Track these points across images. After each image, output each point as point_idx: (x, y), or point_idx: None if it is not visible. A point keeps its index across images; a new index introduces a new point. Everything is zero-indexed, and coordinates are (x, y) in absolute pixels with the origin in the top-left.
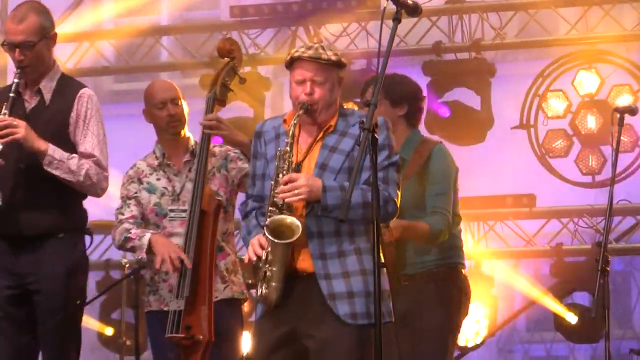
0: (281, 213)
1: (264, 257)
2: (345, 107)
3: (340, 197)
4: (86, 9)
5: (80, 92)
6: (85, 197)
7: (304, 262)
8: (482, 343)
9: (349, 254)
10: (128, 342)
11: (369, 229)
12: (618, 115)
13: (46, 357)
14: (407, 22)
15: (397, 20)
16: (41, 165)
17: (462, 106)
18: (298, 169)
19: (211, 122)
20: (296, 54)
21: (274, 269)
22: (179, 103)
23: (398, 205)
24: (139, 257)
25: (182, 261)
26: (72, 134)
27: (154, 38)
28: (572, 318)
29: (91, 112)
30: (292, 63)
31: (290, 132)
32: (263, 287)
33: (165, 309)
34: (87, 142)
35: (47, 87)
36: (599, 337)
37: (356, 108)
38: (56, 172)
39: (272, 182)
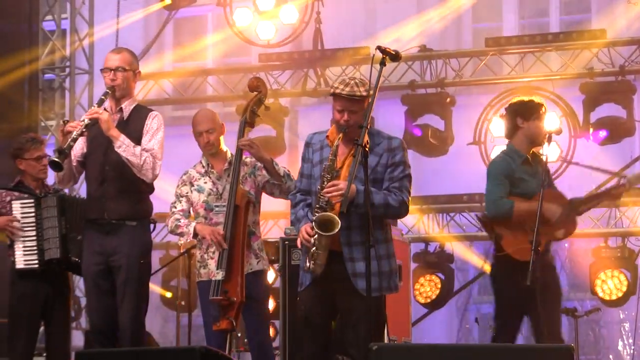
0: (324, 211)
1: (312, 242)
2: (372, 127)
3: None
4: (152, 56)
5: (151, 113)
6: (151, 192)
7: (336, 246)
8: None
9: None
10: (182, 303)
11: (384, 225)
12: (547, 135)
13: (125, 314)
14: (390, 66)
15: (382, 64)
16: (121, 166)
17: (431, 128)
18: (337, 174)
19: (246, 143)
20: (337, 91)
21: (319, 252)
22: (213, 131)
23: (409, 206)
24: (187, 240)
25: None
26: (143, 139)
27: (202, 77)
28: None
29: (157, 125)
30: (334, 96)
31: (333, 151)
32: (311, 264)
33: (213, 278)
34: (151, 143)
35: (127, 108)
36: None
37: None
38: (124, 154)
39: (319, 188)
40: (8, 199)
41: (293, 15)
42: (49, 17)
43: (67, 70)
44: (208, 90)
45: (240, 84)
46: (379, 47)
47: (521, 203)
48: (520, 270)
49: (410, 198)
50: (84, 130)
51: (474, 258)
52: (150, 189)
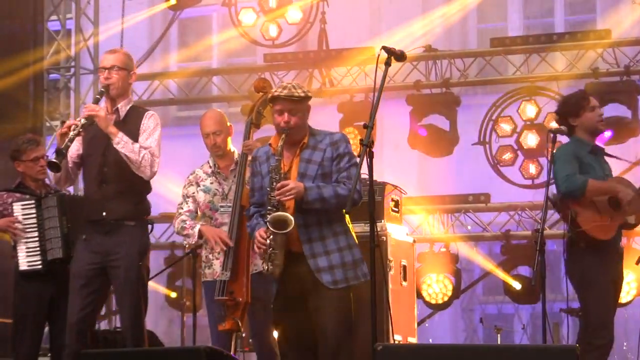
0: (277, 211)
1: (268, 242)
2: (312, 128)
3: (317, 194)
4: (157, 56)
5: (147, 112)
6: (149, 192)
7: (296, 246)
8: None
9: (327, 237)
10: (187, 303)
11: (341, 216)
12: (551, 135)
13: (125, 315)
14: (395, 66)
15: (387, 64)
16: (120, 167)
17: (436, 128)
18: (285, 177)
19: (249, 147)
20: (276, 94)
21: (276, 251)
22: (220, 133)
23: (361, 193)
24: (192, 242)
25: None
26: (140, 138)
27: (207, 77)
28: (517, 285)
29: (154, 124)
30: (273, 99)
31: (278, 151)
32: (269, 265)
33: (218, 278)
34: (148, 141)
35: (123, 109)
36: (537, 300)
37: (357, 131)
38: (122, 150)
39: (269, 189)
40: (10, 200)
41: (298, 15)
42: (54, 17)
43: (72, 70)
44: (213, 91)
45: (245, 84)
46: (384, 47)
47: (595, 181)
48: (601, 249)
49: (361, 186)
50: (80, 130)
51: (479, 258)
52: (148, 189)
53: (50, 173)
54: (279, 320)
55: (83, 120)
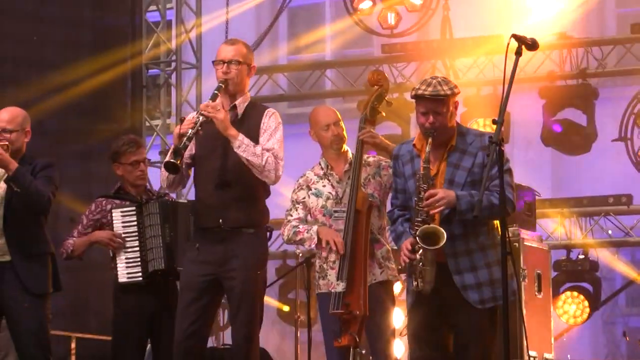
0: (426, 223)
1: (418, 258)
2: (461, 125)
3: (470, 202)
4: (265, 48)
5: (267, 110)
6: (268, 196)
7: (440, 257)
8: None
9: (475, 251)
10: (301, 317)
11: (490, 228)
12: None
13: (238, 331)
14: (526, 55)
15: (518, 54)
16: (239, 170)
17: (571, 123)
18: (432, 182)
19: (366, 134)
20: (419, 92)
21: (427, 268)
22: (340, 124)
23: (514, 203)
24: (310, 247)
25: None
26: (261, 139)
27: (320, 71)
28: None
29: (275, 124)
30: (416, 98)
31: (426, 157)
32: (419, 282)
33: (333, 290)
34: (270, 142)
35: (241, 105)
36: None
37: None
38: (244, 155)
39: (416, 199)
40: (109, 207)
41: (419, 1)
42: (153, 7)
43: (173, 64)
44: (326, 85)
45: (361, 78)
46: (514, 35)
47: None
48: None
49: (514, 193)
50: (199, 128)
51: (621, 266)
52: (268, 193)
53: (163, 174)
54: (412, 329)
55: (202, 118)
